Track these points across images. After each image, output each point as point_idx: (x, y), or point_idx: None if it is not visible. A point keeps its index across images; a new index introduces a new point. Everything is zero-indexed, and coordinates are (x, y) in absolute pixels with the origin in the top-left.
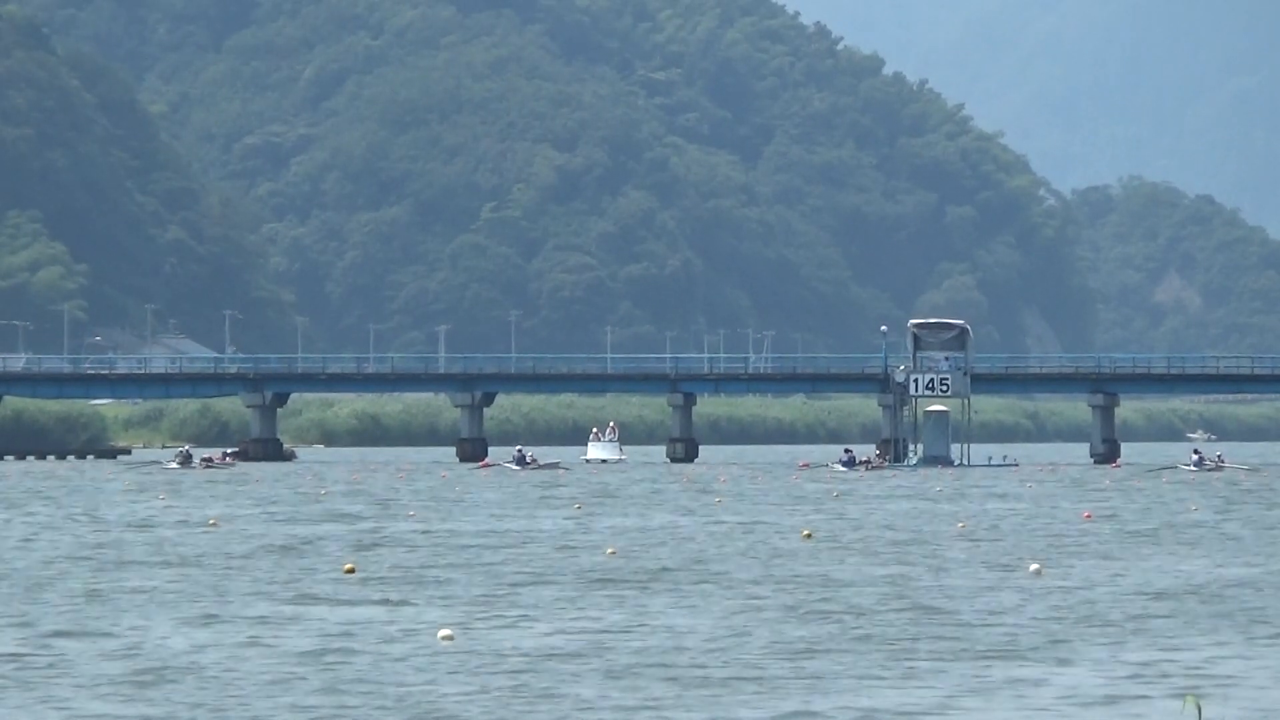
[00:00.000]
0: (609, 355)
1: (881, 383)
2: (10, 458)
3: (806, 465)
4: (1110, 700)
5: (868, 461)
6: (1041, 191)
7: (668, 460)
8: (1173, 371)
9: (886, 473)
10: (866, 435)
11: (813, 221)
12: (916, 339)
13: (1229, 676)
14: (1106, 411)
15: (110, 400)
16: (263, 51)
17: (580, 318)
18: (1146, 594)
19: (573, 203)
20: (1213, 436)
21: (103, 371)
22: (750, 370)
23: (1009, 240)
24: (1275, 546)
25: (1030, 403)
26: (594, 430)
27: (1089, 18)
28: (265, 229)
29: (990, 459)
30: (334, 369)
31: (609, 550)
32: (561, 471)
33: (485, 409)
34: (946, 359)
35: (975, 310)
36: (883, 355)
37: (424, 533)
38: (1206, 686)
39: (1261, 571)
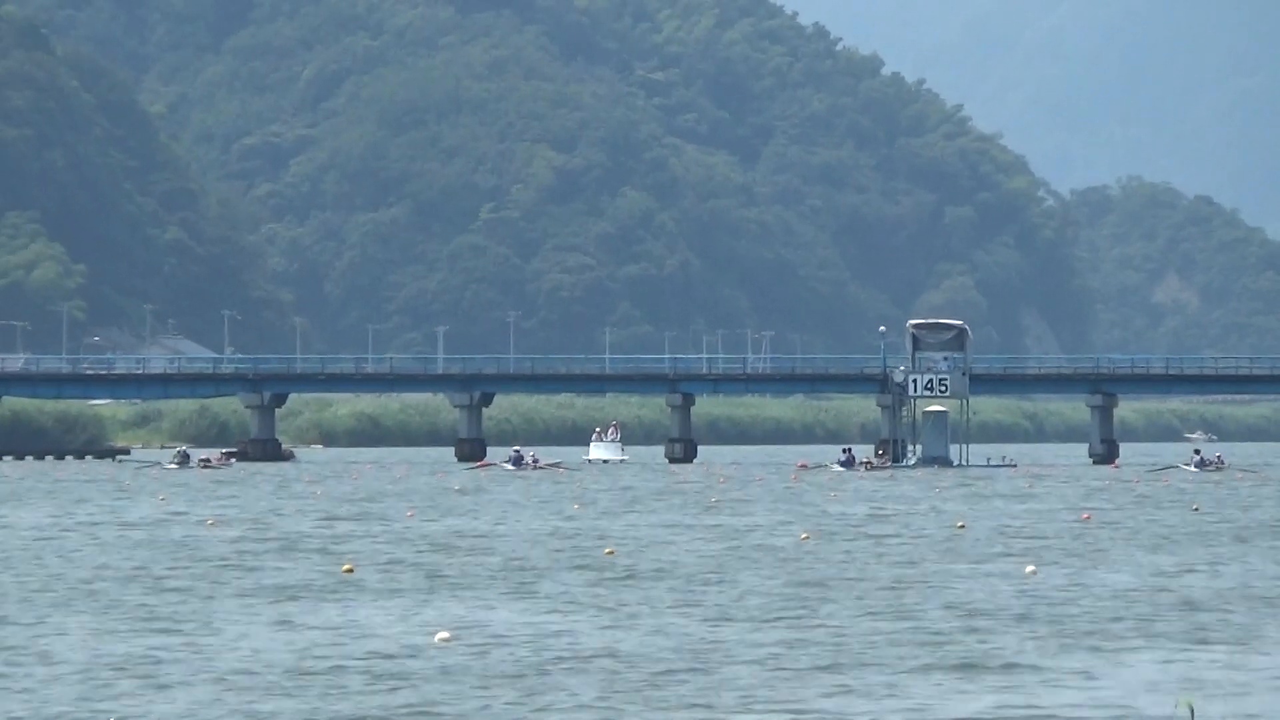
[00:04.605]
0: (607, 355)
1: (880, 383)
2: (9, 458)
3: (805, 465)
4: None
5: (868, 462)
6: (1040, 192)
7: (666, 460)
8: (1171, 372)
9: (886, 473)
10: (865, 436)
11: (811, 222)
12: (915, 339)
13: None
14: (1105, 412)
15: (109, 400)
16: (262, 52)
17: (579, 318)
18: None
19: (571, 203)
20: (1212, 437)
21: (101, 372)
22: (749, 370)
23: (1008, 241)
24: None
25: (1029, 403)
26: (596, 430)
27: (1089, 18)
28: (264, 229)
29: (989, 460)
30: (333, 369)
31: (607, 550)
32: (562, 471)
33: (484, 409)
34: (945, 359)
35: (974, 311)
36: (881, 356)
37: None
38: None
39: None
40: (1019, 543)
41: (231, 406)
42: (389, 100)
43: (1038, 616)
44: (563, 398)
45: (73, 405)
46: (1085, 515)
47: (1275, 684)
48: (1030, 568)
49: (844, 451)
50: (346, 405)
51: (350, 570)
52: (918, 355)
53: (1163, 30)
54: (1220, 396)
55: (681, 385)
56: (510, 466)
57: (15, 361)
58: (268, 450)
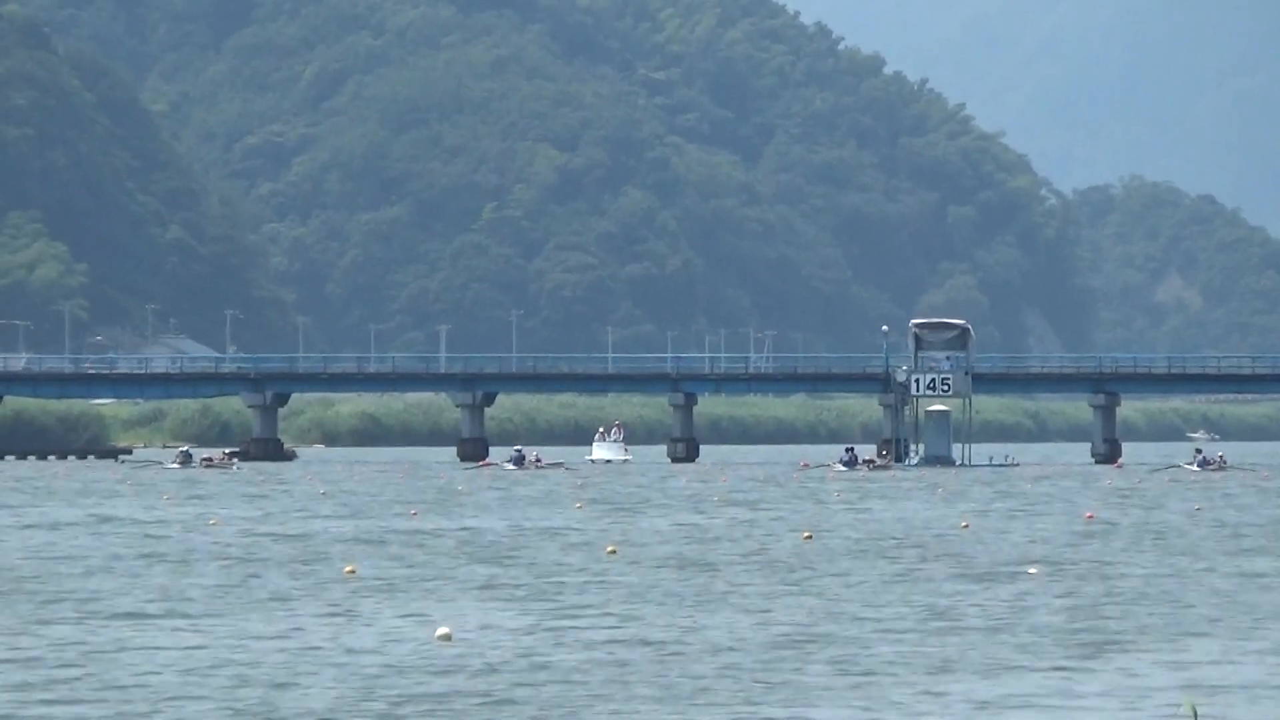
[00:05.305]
0: (610, 355)
1: (883, 382)
2: (11, 457)
3: (807, 465)
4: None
5: (871, 461)
6: (1042, 191)
7: (669, 460)
8: (1173, 371)
9: (894, 472)
10: (867, 435)
11: (814, 221)
12: (918, 339)
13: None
14: (1107, 411)
15: (111, 400)
16: (263, 51)
17: (581, 317)
18: None
19: (573, 202)
20: (1214, 436)
21: (103, 371)
22: (751, 370)
23: (1010, 240)
24: None
25: (1031, 402)
26: (600, 430)
27: (1089, 18)
28: (266, 229)
29: (991, 459)
30: (335, 369)
31: (608, 549)
32: (564, 471)
33: (486, 409)
34: (948, 359)
35: (976, 310)
36: (884, 355)
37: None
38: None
39: None
40: (1022, 543)
41: (234, 406)
42: (391, 99)
43: (1040, 618)
44: (565, 397)
45: (75, 405)
46: (1088, 515)
47: (1279, 685)
48: (1032, 568)
49: (846, 451)
50: (349, 405)
51: (352, 571)
52: (920, 354)
53: (1163, 30)
54: (1222, 396)
55: (684, 385)
56: (511, 466)
57: (17, 361)
58: (270, 450)
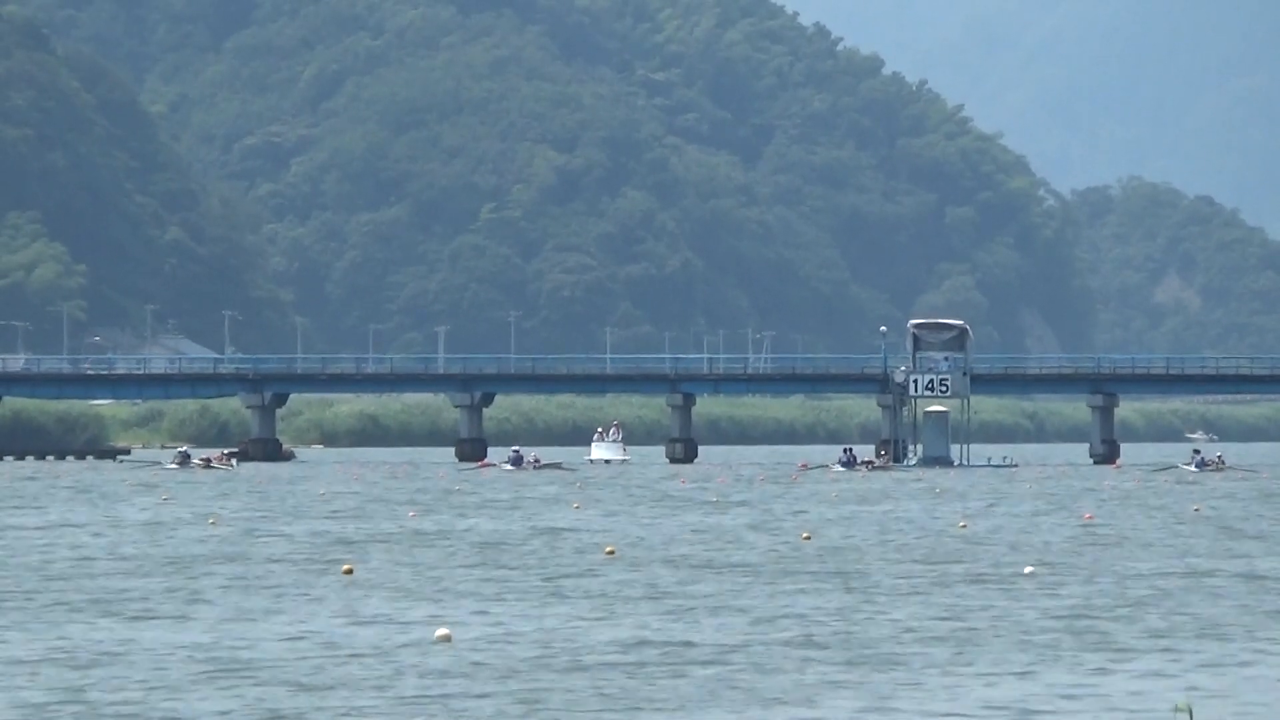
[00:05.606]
0: (608, 355)
1: (881, 383)
2: (10, 458)
3: (806, 466)
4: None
5: (870, 462)
6: (1041, 192)
7: (667, 460)
8: (1172, 372)
9: (894, 473)
10: (866, 436)
11: (812, 222)
12: (916, 339)
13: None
14: (1106, 412)
15: (109, 400)
16: (262, 52)
17: (580, 318)
18: None
19: (572, 203)
20: (1213, 437)
21: (102, 372)
22: (750, 370)
23: (1008, 241)
24: None
25: (1030, 403)
26: (598, 430)
27: (1089, 18)
28: (265, 229)
29: (990, 459)
30: (333, 369)
31: (607, 549)
32: (562, 471)
33: (485, 409)
34: (946, 359)
35: (975, 311)
36: (882, 356)
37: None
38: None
39: None
40: (1021, 543)
41: (232, 406)
42: (390, 100)
43: (1039, 619)
44: (563, 398)
45: (74, 405)
46: (1087, 515)
47: (1274, 687)
48: (1029, 568)
49: (845, 451)
50: (347, 405)
51: (350, 571)
52: (918, 355)
53: (1162, 30)
54: (1221, 396)
55: (682, 385)
56: (509, 467)
57: (16, 361)
58: (268, 450)
